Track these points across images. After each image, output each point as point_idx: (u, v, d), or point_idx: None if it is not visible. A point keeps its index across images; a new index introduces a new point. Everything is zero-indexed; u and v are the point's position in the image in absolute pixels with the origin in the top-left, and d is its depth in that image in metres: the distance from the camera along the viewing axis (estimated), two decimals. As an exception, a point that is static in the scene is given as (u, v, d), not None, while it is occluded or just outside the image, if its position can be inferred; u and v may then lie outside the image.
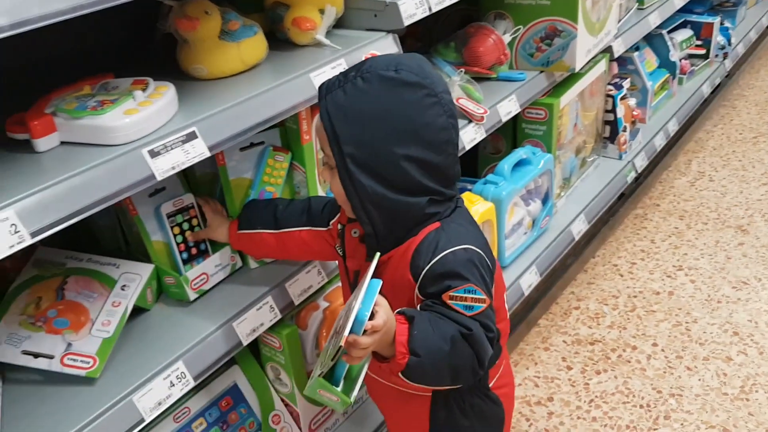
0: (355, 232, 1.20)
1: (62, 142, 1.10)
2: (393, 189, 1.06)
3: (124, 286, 1.28)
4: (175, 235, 1.35)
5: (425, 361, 1.00)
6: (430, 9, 1.60)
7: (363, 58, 1.40)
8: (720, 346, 2.12)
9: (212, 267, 1.38)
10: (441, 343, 1.00)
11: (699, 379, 2.01)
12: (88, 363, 1.16)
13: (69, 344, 1.19)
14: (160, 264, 1.34)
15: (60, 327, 1.21)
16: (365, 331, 0.94)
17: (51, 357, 1.17)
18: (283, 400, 1.53)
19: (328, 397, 0.98)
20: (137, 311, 1.32)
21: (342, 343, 0.92)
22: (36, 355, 1.18)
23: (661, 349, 2.13)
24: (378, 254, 1.07)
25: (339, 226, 1.24)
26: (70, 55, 1.36)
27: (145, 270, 1.30)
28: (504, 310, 1.24)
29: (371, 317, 0.95)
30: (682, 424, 1.86)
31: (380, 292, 0.99)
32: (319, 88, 1.08)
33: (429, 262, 1.05)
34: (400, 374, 1.02)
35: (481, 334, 1.04)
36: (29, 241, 0.93)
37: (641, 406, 1.93)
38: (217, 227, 1.39)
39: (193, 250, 1.38)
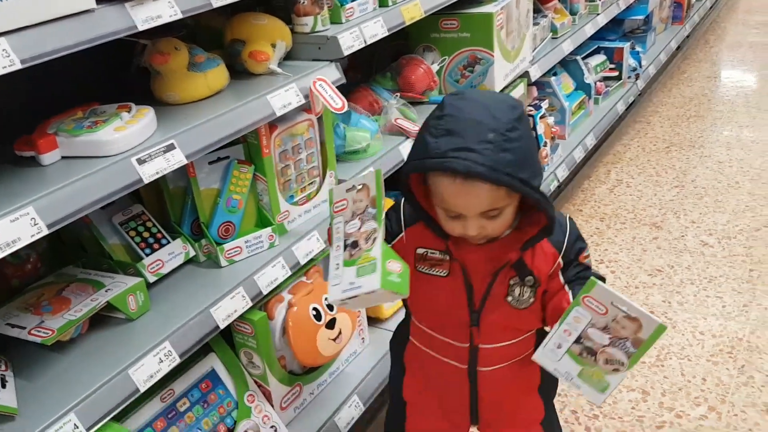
0: (433, 252, 1.29)
1: (63, 157, 1.32)
2: None
3: (108, 289, 1.49)
4: (132, 238, 1.59)
5: None
6: (365, 41, 1.88)
7: (311, 83, 1.68)
8: (639, 325, 2.41)
9: (166, 255, 1.61)
10: None
11: (621, 353, 2.29)
12: (47, 333, 1.34)
13: (42, 321, 1.39)
14: (120, 260, 1.58)
15: (44, 311, 1.43)
16: None
17: (23, 328, 1.37)
18: (256, 382, 1.74)
19: (393, 267, 1.14)
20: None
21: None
22: (13, 326, 1.39)
23: (589, 330, 2.41)
24: (376, 170, 1.20)
25: (420, 250, 1.30)
26: (59, 90, 1.59)
27: (131, 281, 1.50)
28: None
29: None
30: (606, 389, 2.13)
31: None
32: (470, 173, 1.08)
33: (565, 234, 1.27)
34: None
35: None
36: (45, 232, 1.14)
37: (571, 377, 2.19)
38: None
39: (155, 246, 1.61)
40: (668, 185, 3.36)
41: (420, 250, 1.29)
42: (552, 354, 1.19)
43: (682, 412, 2.04)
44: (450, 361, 1.38)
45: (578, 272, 1.28)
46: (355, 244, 1.17)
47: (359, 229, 1.17)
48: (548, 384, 1.46)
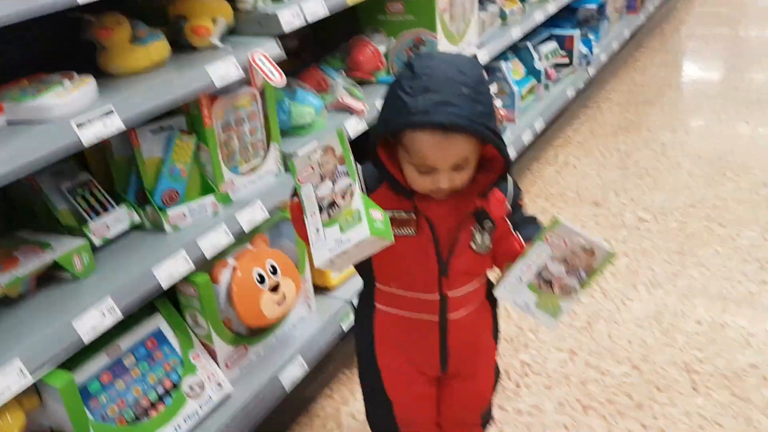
0: (399, 213, 1.35)
1: (8, 123, 1.41)
2: None
3: (55, 249, 1.58)
4: (79, 204, 1.67)
5: None
6: (305, 20, 1.98)
7: (250, 56, 1.77)
8: (575, 294, 2.56)
9: (111, 220, 1.69)
10: None
11: (556, 319, 2.43)
12: None
13: None
14: (68, 224, 1.66)
15: (-7, 270, 1.51)
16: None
17: None
18: (201, 342, 1.84)
19: (376, 215, 1.18)
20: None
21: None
22: None
23: (527, 299, 2.54)
24: (338, 130, 1.23)
25: (387, 213, 1.29)
26: (12, 63, 1.66)
27: (76, 242, 1.60)
28: None
29: None
30: (537, 351, 2.27)
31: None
32: (453, 125, 1.17)
33: (509, 181, 1.38)
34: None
35: None
36: (-12, 188, 1.24)
37: (506, 340, 2.33)
38: None
39: (101, 211, 1.69)
40: (612, 166, 3.51)
41: (387, 213, 1.32)
42: (512, 288, 1.32)
43: (607, 370, 2.18)
44: (422, 316, 1.45)
45: (522, 217, 1.43)
46: (332, 205, 1.20)
47: (333, 189, 1.20)
48: (496, 327, 1.60)
